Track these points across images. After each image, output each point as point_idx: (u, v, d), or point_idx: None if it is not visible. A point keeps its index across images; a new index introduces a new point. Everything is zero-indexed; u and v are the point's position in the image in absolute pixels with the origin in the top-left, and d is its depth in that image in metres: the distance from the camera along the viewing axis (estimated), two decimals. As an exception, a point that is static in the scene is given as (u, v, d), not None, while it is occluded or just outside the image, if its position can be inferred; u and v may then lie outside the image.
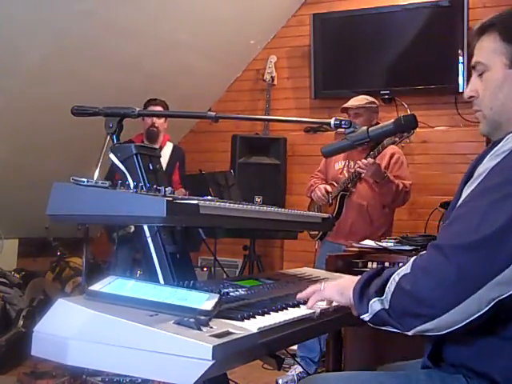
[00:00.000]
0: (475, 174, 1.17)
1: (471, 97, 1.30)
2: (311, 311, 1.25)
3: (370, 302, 1.14)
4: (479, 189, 1.13)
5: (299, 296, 1.34)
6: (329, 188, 3.66)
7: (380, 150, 3.32)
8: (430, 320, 1.06)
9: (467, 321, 1.05)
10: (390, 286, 1.12)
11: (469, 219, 1.09)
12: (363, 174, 3.42)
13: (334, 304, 1.32)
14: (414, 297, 1.07)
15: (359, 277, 1.26)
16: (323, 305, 1.31)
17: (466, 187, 1.19)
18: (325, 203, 3.66)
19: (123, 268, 3.93)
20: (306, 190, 3.88)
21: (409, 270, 1.11)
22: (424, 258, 1.10)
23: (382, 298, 1.13)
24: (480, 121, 1.31)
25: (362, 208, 3.54)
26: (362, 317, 1.18)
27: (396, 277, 1.12)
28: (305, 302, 1.32)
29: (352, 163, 3.56)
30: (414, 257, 1.14)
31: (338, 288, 1.28)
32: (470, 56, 1.33)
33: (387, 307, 1.12)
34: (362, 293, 1.18)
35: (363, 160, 3.31)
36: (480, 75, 1.28)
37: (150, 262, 1.44)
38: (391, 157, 3.56)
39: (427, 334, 1.10)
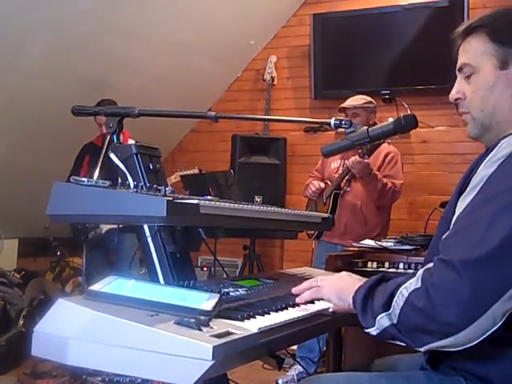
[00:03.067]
0: (471, 183, 1.14)
1: (457, 99, 1.29)
2: (306, 312, 1.21)
3: (378, 318, 1.11)
4: (480, 198, 1.10)
5: (294, 290, 1.31)
6: (322, 185, 3.66)
7: (369, 148, 3.30)
8: (445, 338, 1.04)
9: (483, 337, 1.03)
10: (398, 301, 1.08)
11: (474, 231, 1.05)
12: (354, 171, 3.43)
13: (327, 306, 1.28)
14: (428, 315, 1.03)
15: (358, 280, 1.23)
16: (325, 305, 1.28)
17: (462, 197, 1.16)
18: (317, 199, 3.66)
19: (98, 272, 3.79)
20: (303, 189, 3.88)
21: (419, 285, 1.06)
22: (435, 274, 1.06)
23: (390, 312, 1.09)
24: (468, 123, 1.30)
25: (356, 207, 3.54)
26: (368, 330, 1.14)
27: (404, 291, 1.08)
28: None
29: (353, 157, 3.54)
30: (421, 270, 1.10)
31: (336, 291, 1.24)
32: (454, 57, 1.30)
33: (395, 322, 1.08)
34: (366, 304, 1.14)
35: (352, 158, 3.32)
36: (467, 77, 1.26)
37: (150, 261, 1.44)
38: (386, 156, 3.56)
39: (441, 349, 1.08)
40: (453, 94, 1.30)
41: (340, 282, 1.28)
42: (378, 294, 1.14)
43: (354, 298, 1.18)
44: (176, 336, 0.93)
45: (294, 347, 3.46)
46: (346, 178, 3.54)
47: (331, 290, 1.25)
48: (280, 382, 3.47)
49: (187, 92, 4.94)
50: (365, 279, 1.23)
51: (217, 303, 1.05)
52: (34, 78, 3.92)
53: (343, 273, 1.35)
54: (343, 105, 3.59)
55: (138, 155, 1.46)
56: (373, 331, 1.13)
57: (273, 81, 5.12)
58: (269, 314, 1.18)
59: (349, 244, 2.88)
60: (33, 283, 4.28)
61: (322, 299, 1.29)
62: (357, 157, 3.29)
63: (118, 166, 1.45)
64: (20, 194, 4.40)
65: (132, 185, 1.31)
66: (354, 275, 1.33)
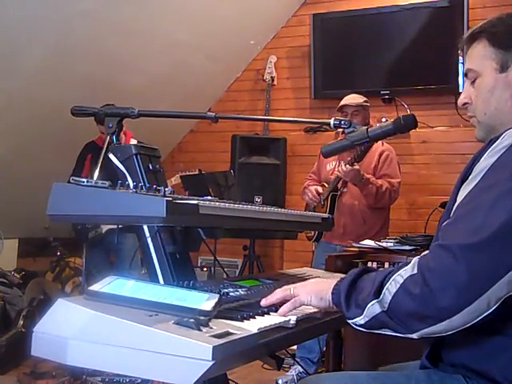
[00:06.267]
0: (474, 172, 1.16)
1: (465, 103, 1.33)
2: (286, 319, 1.15)
3: (368, 305, 1.10)
4: (481, 186, 1.11)
5: (264, 302, 1.22)
6: (320, 189, 3.65)
7: (359, 153, 3.29)
8: (439, 322, 1.04)
9: (476, 320, 1.04)
10: (390, 288, 1.08)
11: (473, 217, 1.07)
12: (346, 180, 3.42)
13: (313, 310, 1.24)
14: (424, 300, 1.03)
15: (332, 280, 1.21)
16: (303, 311, 1.23)
17: (463, 186, 1.18)
18: (316, 204, 3.65)
19: (98, 272, 3.80)
20: (301, 192, 3.88)
21: (415, 271, 1.07)
22: (431, 259, 1.06)
23: (380, 299, 1.09)
24: (475, 126, 1.33)
25: (354, 207, 3.54)
26: (353, 320, 1.13)
27: (399, 278, 1.08)
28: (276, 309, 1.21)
29: (343, 164, 3.49)
30: (417, 257, 1.10)
31: (315, 292, 1.21)
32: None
33: (386, 309, 1.08)
34: (350, 295, 1.14)
35: (342, 167, 3.31)
36: (472, 82, 1.30)
37: (150, 262, 1.44)
38: (380, 154, 3.55)
39: (433, 336, 1.08)
40: (461, 99, 1.34)
41: (315, 284, 1.27)
42: (365, 283, 1.14)
43: (334, 292, 1.17)
44: (176, 336, 0.93)
45: (294, 347, 3.46)
46: (342, 179, 3.54)
47: (309, 294, 1.22)
48: (280, 382, 3.47)
49: (187, 92, 4.95)
50: (338, 279, 1.21)
51: (216, 303, 1.05)
52: (34, 79, 3.92)
53: (315, 278, 1.35)
54: (345, 102, 3.56)
55: (138, 156, 1.46)
56: (360, 320, 1.12)
57: (273, 81, 5.12)
58: (269, 314, 1.18)
59: (349, 245, 2.88)
60: (33, 283, 4.29)
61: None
62: (347, 165, 3.28)
63: (117, 166, 1.45)
64: (20, 195, 4.40)
65: (132, 185, 1.31)
66: (325, 279, 1.33)
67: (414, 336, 1.09)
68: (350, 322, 1.15)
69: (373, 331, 1.14)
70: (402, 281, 1.07)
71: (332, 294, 1.18)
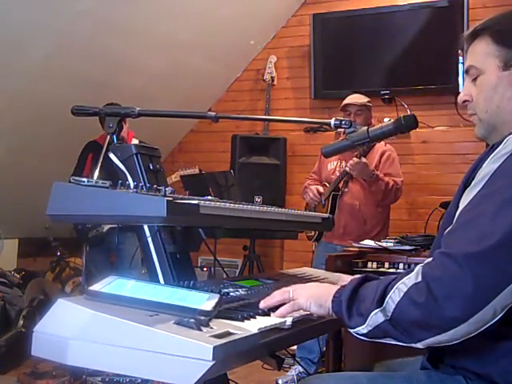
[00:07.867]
0: (476, 179, 1.14)
1: (465, 101, 1.31)
2: (283, 320, 1.14)
3: (371, 314, 1.08)
4: (484, 192, 1.10)
5: (263, 305, 1.20)
6: (321, 189, 3.64)
7: (365, 149, 3.30)
8: (444, 332, 1.03)
9: (482, 329, 1.03)
10: (394, 296, 1.06)
11: (476, 225, 1.06)
12: (354, 174, 3.42)
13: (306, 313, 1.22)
14: (429, 309, 1.02)
15: (332, 286, 1.20)
16: (297, 314, 1.21)
17: (466, 192, 1.16)
18: (317, 204, 3.65)
19: (99, 271, 3.78)
20: (302, 191, 3.88)
21: (419, 279, 1.05)
22: (436, 268, 1.04)
23: (383, 307, 1.07)
24: (475, 124, 1.31)
25: (355, 208, 3.54)
26: (355, 330, 1.11)
27: (402, 286, 1.06)
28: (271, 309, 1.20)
29: (344, 163, 3.54)
30: (420, 265, 1.09)
31: (314, 299, 1.19)
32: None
33: (389, 318, 1.06)
34: (351, 303, 1.12)
35: (350, 161, 3.31)
36: (474, 79, 1.28)
37: (150, 261, 1.44)
38: (382, 154, 3.55)
39: (438, 345, 1.07)
40: (461, 97, 1.32)
41: (315, 289, 1.24)
42: (367, 292, 1.12)
43: (334, 300, 1.15)
44: (176, 336, 0.93)
45: (294, 347, 3.46)
46: (344, 179, 3.54)
47: (308, 299, 1.20)
48: (280, 382, 3.47)
49: (187, 92, 4.95)
50: (338, 286, 1.19)
51: (217, 303, 1.05)
52: (34, 79, 3.92)
53: (315, 282, 1.33)
54: (349, 101, 3.56)
55: (138, 155, 1.46)
56: (362, 329, 1.10)
57: (273, 81, 5.12)
58: (269, 314, 1.18)
59: (349, 245, 2.88)
60: (33, 283, 4.28)
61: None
62: (354, 159, 3.28)
63: (117, 166, 1.45)
64: (20, 195, 4.40)
65: (132, 185, 1.31)
66: (324, 283, 1.31)
67: (419, 345, 1.07)
68: (351, 331, 1.13)
69: (375, 340, 1.12)
70: (405, 289, 1.06)
71: (332, 301, 1.15)
